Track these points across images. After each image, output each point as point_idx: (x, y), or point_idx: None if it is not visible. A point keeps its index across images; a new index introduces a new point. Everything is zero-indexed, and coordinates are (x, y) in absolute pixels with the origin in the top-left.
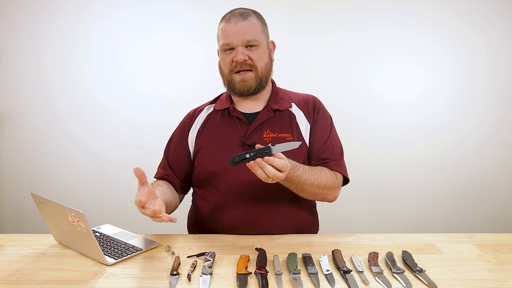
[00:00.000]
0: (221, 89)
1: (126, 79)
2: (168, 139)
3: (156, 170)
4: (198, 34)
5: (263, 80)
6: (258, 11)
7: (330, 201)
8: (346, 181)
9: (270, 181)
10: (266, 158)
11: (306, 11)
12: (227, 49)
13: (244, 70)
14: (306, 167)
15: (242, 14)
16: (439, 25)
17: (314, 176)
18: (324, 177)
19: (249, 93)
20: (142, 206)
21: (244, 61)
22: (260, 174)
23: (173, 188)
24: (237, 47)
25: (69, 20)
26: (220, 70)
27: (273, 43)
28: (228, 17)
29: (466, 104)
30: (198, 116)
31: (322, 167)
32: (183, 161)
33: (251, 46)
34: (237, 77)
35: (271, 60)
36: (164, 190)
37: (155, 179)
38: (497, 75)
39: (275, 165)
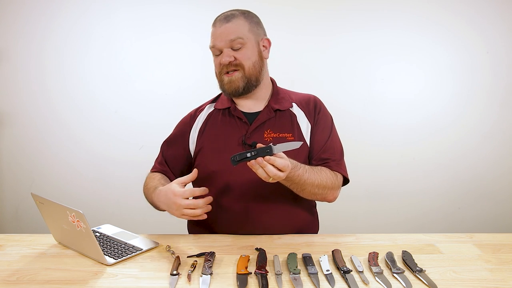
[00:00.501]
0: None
1: (126, 79)
2: (168, 136)
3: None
4: (198, 34)
5: (252, 79)
6: (255, 11)
7: (329, 201)
8: (346, 181)
9: (270, 180)
10: (267, 157)
11: (306, 11)
12: (215, 52)
13: (229, 71)
14: (307, 166)
15: (227, 16)
16: (439, 25)
17: (315, 176)
18: (324, 177)
19: (239, 93)
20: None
21: (230, 63)
22: (260, 173)
23: None
24: (223, 49)
25: (69, 20)
26: (214, 72)
27: (268, 40)
28: (215, 21)
29: (466, 104)
30: (199, 116)
31: (323, 167)
32: (180, 160)
33: (236, 47)
34: (225, 78)
35: (261, 58)
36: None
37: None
38: (497, 75)
39: (276, 165)
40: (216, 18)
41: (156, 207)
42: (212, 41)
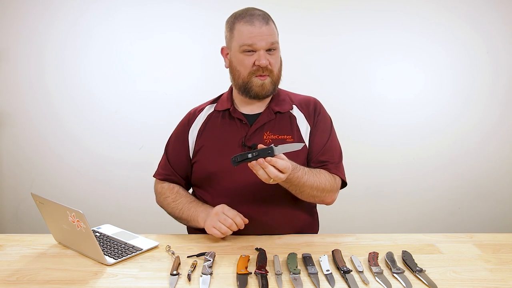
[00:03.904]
0: (221, 89)
1: (126, 79)
2: (168, 138)
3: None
4: (198, 34)
5: (277, 84)
6: None
7: (328, 203)
8: (344, 184)
9: (271, 181)
10: (268, 158)
11: (306, 12)
12: (248, 50)
13: (264, 75)
14: (306, 169)
15: (264, 16)
16: (439, 25)
17: (314, 178)
18: (323, 179)
19: (265, 97)
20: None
21: (266, 66)
22: (261, 174)
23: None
24: (259, 51)
25: (69, 20)
26: (234, 70)
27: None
28: (249, 18)
29: (466, 104)
30: (199, 116)
31: (321, 170)
32: (183, 159)
33: (270, 50)
34: (257, 81)
35: (281, 63)
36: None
37: (155, 178)
38: (497, 75)
39: (277, 166)
40: (247, 15)
41: (179, 217)
42: (249, 39)
